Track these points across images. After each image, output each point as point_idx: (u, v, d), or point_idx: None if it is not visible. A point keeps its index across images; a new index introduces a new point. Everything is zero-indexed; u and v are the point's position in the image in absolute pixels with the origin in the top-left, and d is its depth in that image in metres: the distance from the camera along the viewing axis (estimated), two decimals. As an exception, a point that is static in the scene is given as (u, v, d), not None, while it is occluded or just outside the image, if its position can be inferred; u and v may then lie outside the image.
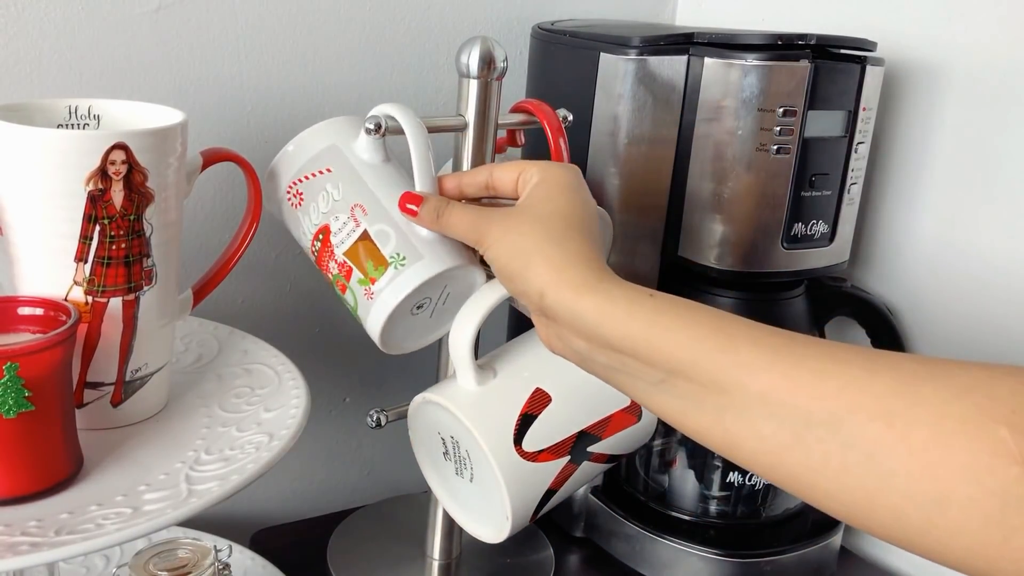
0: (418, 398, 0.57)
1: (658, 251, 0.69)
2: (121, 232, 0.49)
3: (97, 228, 0.48)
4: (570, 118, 0.62)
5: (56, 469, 0.46)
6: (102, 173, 0.47)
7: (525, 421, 0.54)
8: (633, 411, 0.57)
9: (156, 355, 0.54)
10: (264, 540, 0.76)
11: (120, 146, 0.47)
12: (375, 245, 0.54)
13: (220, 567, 0.56)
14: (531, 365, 0.57)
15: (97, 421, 0.53)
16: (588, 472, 0.57)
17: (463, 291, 0.57)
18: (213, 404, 0.56)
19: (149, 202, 0.50)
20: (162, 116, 0.53)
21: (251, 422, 0.53)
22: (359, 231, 0.54)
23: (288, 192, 0.56)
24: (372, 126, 0.54)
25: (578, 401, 0.56)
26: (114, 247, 0.49)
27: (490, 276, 0.60)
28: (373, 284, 0.54)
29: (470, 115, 0.58)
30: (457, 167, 0.59)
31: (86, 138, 0.48)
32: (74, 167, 0.47)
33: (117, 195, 0.48)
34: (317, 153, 0.56)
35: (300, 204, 0.56)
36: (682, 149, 0.66)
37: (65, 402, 0.47)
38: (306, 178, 0.56)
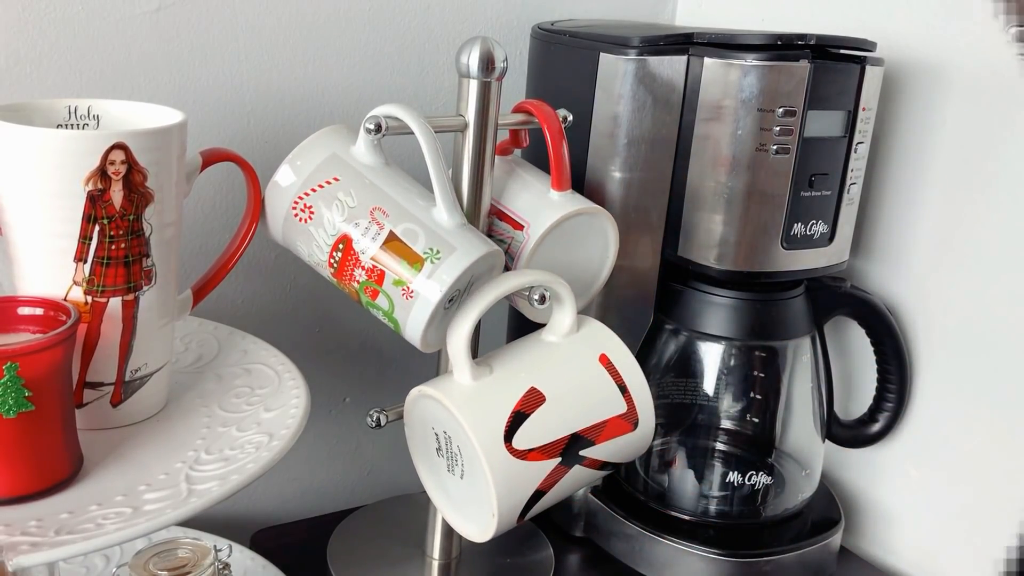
0: (414, 391, 0.57)
1: (658, 251, 0.69)
2: (120, 232, 0.49)
3: (96, 228, 0.48)
4: (570, 118, 0.62)
5: (56, 469, 0.46)
6: (101, 173, 0.47)
7: (517, 419, 0.53)
8: (630, 419, 0.57)
9: (156, 355, 0.54)
10: (264, 540, 0.75)
11: (120, 146, 0.47)
12: (405, 244, 0.53)
13: (220, 567, 0.56)
14: (528, 365, 0.57)
15: (97, 421, 0.53)
16: (581, 477, 0.57)
17: (485, 280, 0.56)
18: (213, 404, 0.56)
19: (149, 202, 0.50)
20: (162, 116, 0.53)
21: (251, 422, 0.53)
22: (384, 233, 0.53)
23: (294, 208, 0.55)
24: (372, 126, 0.54)
25: (573, 404, 0.56)
26: (113, 247, 0.49)
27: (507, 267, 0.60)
28: (411, 283, 0.53)
29: (470, 115, 0.58)
30: (457, 167, 0.59)
31: (85, 138, 0.48)
32: (73, 167, 0.47)
33: (117, 195, 0.48)
34: (318, 165, 0.55)
35: (311, 218, 0.55)
36: (682, 149, 0.66)
37: (65, 402, 0.47)
38: (313, 191, 0.55)
